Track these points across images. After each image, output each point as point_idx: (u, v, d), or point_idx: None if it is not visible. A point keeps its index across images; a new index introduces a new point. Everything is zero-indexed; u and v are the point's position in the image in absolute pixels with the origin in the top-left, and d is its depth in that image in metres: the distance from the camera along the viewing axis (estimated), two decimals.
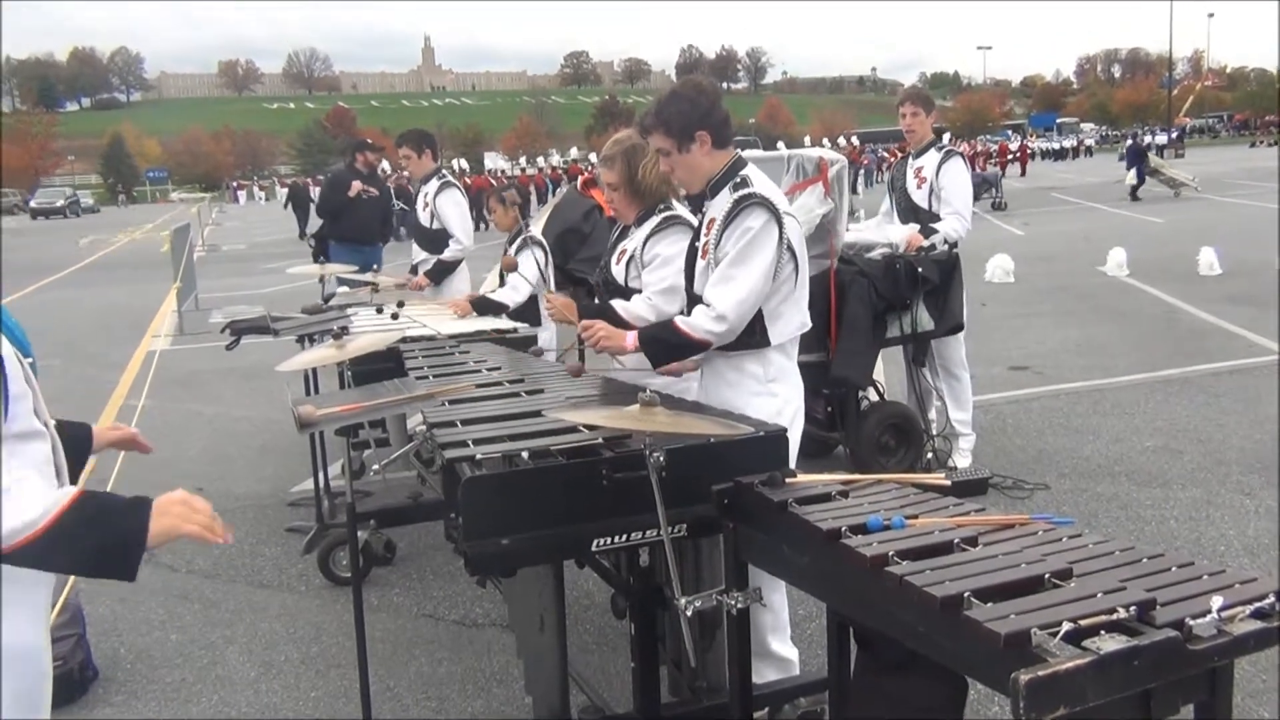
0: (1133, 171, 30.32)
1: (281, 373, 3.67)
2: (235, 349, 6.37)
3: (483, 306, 5.83)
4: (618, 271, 4.13)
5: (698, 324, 3.38)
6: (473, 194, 32.44)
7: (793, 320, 3.48)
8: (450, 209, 7.30)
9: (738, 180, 3.43)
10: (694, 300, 3.53)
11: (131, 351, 12.37)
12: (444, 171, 7.56)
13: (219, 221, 47.00)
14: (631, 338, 3.47)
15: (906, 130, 6.46)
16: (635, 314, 3.82)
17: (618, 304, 3.93)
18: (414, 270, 7.50)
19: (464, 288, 7.32)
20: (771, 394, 3.46)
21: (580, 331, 3.64)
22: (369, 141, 10.31)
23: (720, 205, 3.43)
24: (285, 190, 45.05)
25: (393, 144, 7.87)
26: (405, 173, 8.67)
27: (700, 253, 3.50)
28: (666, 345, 3.44)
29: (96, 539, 1.89)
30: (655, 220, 4.02)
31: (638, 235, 4.06)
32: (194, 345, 12.61)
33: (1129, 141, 39.58)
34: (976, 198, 29.77)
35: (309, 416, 2.95)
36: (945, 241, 6.20)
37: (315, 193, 37.26)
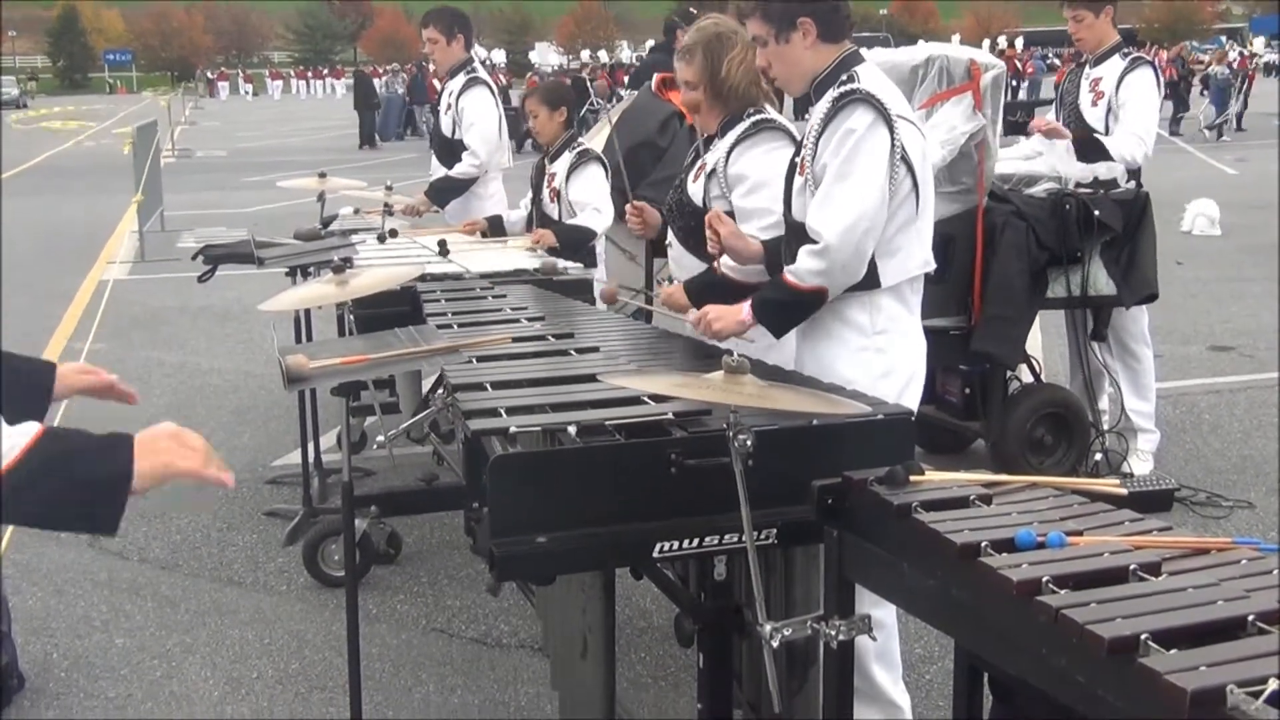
0: None
1: (266, 313, 3.72)
2: (209, 281, 6.48)
3: (569, 236, 5.78)
4: (694, 190, 4.16)
5: (802, 268, 3.43)
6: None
7: (912, 255, 3.50)
8: (474, 112, 7.29)
9: (844, 77, 3.47)
10: (793, 231, 3.55)
11: (79, 281, 12.62)
12: (474, 65, 7.56)
13: (193, 120, 47.68)
14: (747, 310, 3.55)
15: (1075, 39, 6.50)
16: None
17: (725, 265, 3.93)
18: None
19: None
20: (878, 350, 3.50)
21: (694, 325, 3.71)
22: (694, 10, 9.01)
23: (821, 109, 3.48)
24: (347, 82, 44.30)
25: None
26: (430, 62, 8.09)
27: (799, 168, 3.55)
28: (781, 307, 3.52)
29: (69, 482, 1.95)
30: (742, 126, 4.05)
31: (720, 146, 4.08)
32: (157, 275, 12.86)
33: None
34: None
35: (299, 369, 2.99)
36: (1127, 167, 6.12)
37: (382, 85, 37.64)
